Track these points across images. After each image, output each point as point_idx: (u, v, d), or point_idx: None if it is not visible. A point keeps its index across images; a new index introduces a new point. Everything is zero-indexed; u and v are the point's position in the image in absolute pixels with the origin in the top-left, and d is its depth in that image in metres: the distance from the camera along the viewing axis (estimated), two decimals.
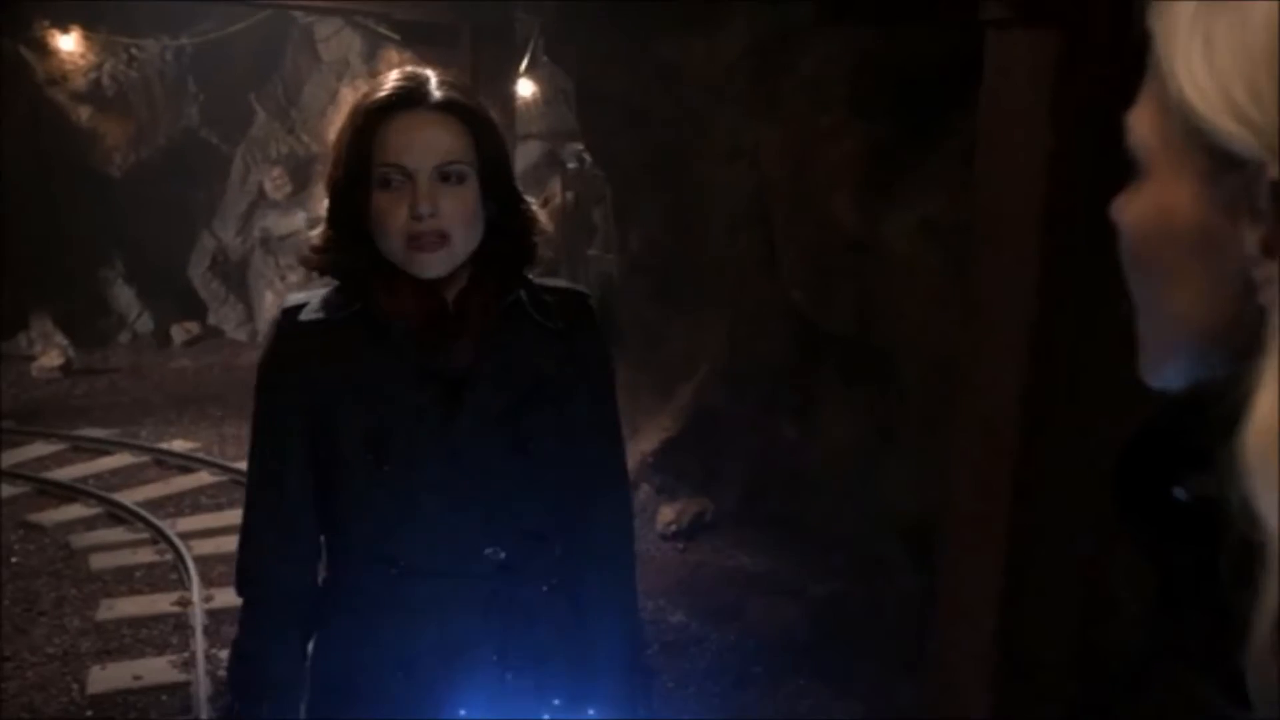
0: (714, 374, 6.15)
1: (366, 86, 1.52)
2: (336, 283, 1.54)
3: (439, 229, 1.43)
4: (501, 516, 1.51)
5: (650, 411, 6.55)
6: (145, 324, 11.15)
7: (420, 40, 6.00)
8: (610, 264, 8.60)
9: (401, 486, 1.48)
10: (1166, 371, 0.57)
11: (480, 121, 1.50)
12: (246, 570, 1.57)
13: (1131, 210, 0.57)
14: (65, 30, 10.45)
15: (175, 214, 11.20)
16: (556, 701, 1.56)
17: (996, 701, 2.84)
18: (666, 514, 5.94)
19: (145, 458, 7.34)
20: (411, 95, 1.46)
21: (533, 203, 1.58)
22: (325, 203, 1.53)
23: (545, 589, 1.57)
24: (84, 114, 10.84)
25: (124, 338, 11.10)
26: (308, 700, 1.57)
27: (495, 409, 1.50)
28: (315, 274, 1.54)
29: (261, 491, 1.56)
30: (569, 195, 9.55)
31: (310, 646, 1.57)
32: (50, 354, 10.10)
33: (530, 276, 1.58)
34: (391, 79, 1.49)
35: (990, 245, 2.76)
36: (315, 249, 1.52)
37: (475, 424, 1.49)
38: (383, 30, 6.23)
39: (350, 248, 1.49)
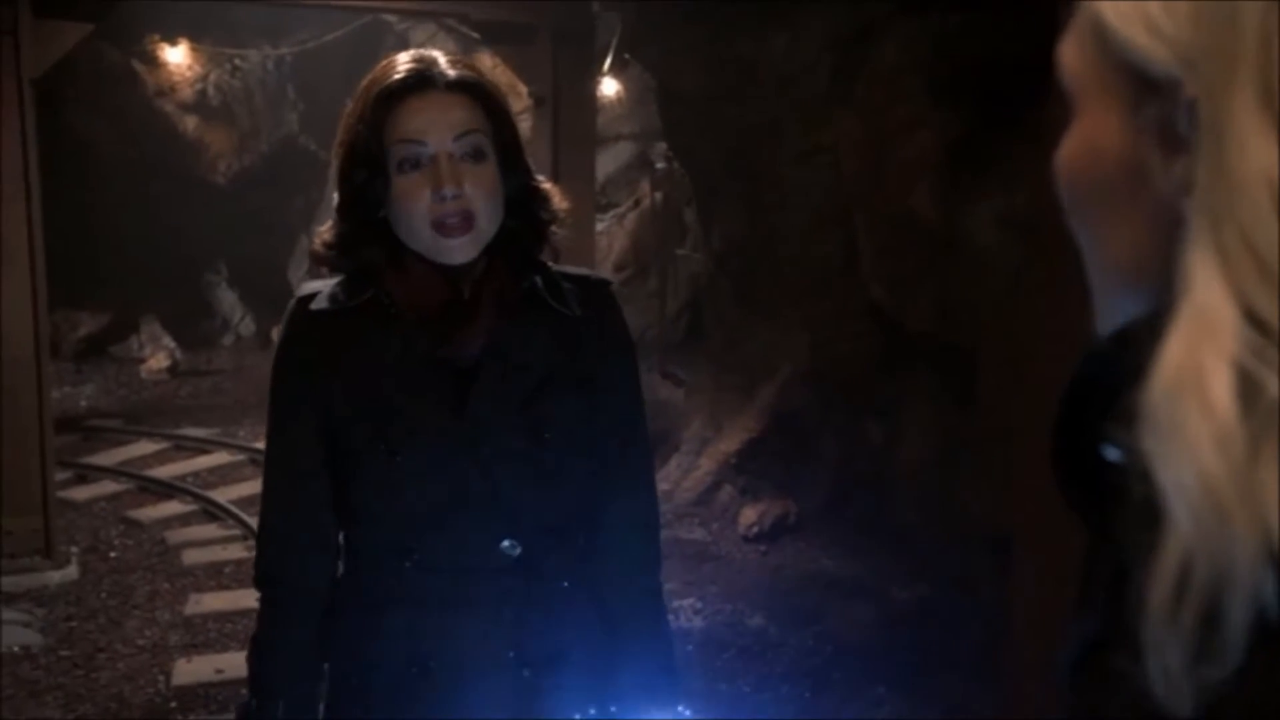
0: (797, 374, 6.04)
1: (372, 73, 1.48)
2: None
3: (464, 209, 1.40)
4: (518, 510, 1.46)
5: (733, 412, 6.48)
6: (248, 327, 11.48)
7: (500, 40, 6.02)
8: (699, 263, 8.55)
9: (414, 478, 1.44)
10: (1115, 318, 0.53)
11: (493, 99, 1.46)
12: (264, 565, 1.56)
13: (1064, 149, 0.54)
14: (173, 43, 10.83)
15: (276, 219, 11.51)
16: (577, 701, 1.51)
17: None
18: (749, 515, 5.86)
19: (241, 456, 7.54)
20: (424, 76, 1.43)
21: (543, 180, 1.53)
22: (335, 196, 1.50)
23: (566, 585, 1.51)
24: (190, 124, 11.21)
25: (227, 340, 11.45)
26: (324, 696, 1.54)
27: (509, 398, 1.46)
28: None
29: (278, 485, 1.54)
30: (658, 195, 9.52)
31: (327, 642, 1.54)
32: (158, 356, 10.46)
33: (549, 264, 1.54)
34: (401, 62, 1.46)
35: (1059, 236, 2.63)
36: (328, 245, 1.49)
37: (488, 414, 1.44)
38: (466, 31, 6.28)
39: (366, 240, 1.46)
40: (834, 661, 4.48)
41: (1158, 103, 0.47)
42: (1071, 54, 0.53)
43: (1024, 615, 2.93)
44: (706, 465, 6.29)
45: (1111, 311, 0.53)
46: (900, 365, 5.25)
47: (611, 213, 10.30)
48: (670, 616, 1.70)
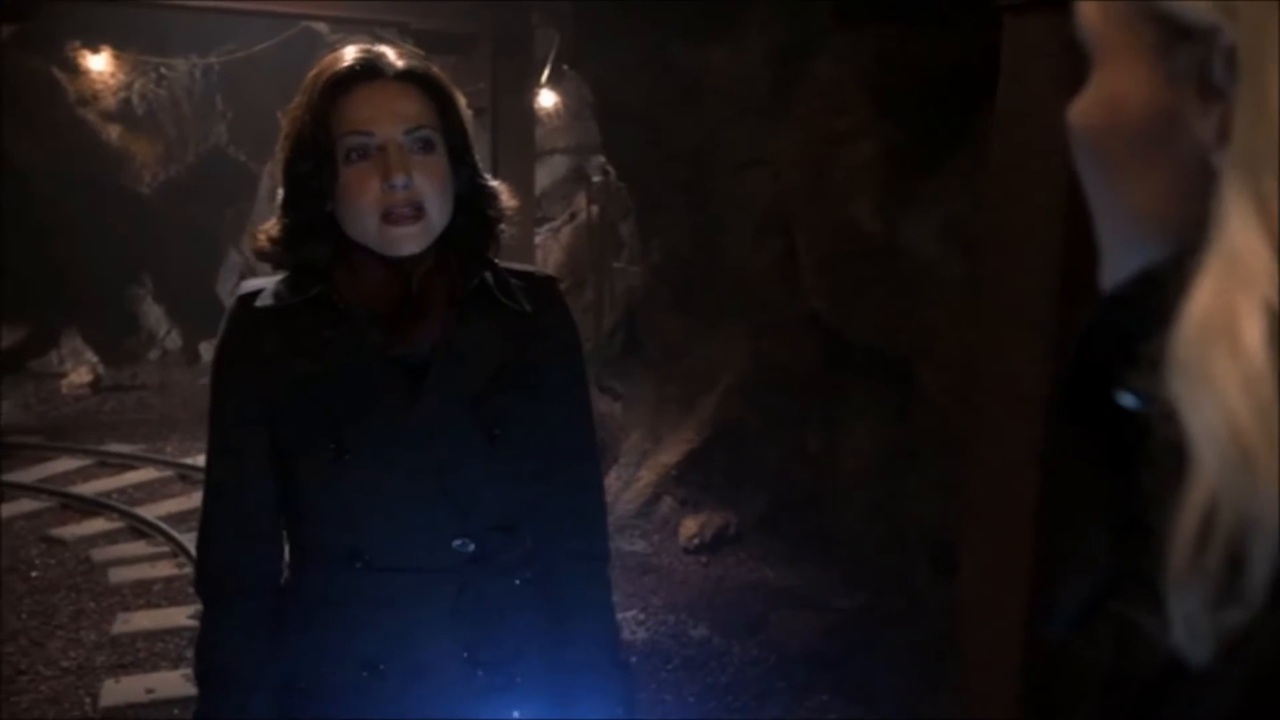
0: (737, 386, 6.06)
1: (320, 63, 1.45)
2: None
3: (414, 200, 1.37)
4: (469, 507, 1.43)
5: (673, 423, 6.47)
6: (174, 341, 11.22)
7: (439, 50, 5.97)
8: (635, 277, 8.55)
9: (364, 477, 1.40)
10: (1128, 269, 0.51)
11: (443, 91, 1.44)
12: (207, 569, 1.50)
13: (1084, 103, 0.52)
14: (96, 50, 10.58)
15: (203, 231, 11.28)
16: (530, 700, 1.48)
17: (1023, 715, 2.72)
18: (689, 527, 5.85)
19: (169, 472, 7.35)
20: (372, 66, 1.40)
21: (490, 178, 1.51)
22: (280, 191, 1.46)
23: (517, 582, 1.50)
24: (114, 133, 10.96)
25: (153, 355, 11.18)
26: (273, 701, 1.49)
27: (459, 395, 1.43)
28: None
29: (220, 486, 1.49)
30: (594, 209, 9.51)
31: (275, 646, 1.49)
32: (80, 371, 10.18)
33: (496, 260, 1.52)
34: (349, 52, 1.43)
35: (1007, 241, 2.66)
36: (273, 239, 1.45)
37: (438, 410, 1.42)
38: (403, 41, 6.23)
39: (312, 234, 1.42)
40: (778, 670, 4.49)
41: (1191, 51, 0.45)
42: (1092, 5, 0.51)
43: (970, 619, 2.95)
44: (646, 477, 6.27)
45: (1125, 264, 0.51)
46: (841, 375, 5.28)
47: (546, 226, 10.26)
48: None
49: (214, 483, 1.50)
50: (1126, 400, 0.47)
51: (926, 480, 4.61)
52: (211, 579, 1.49)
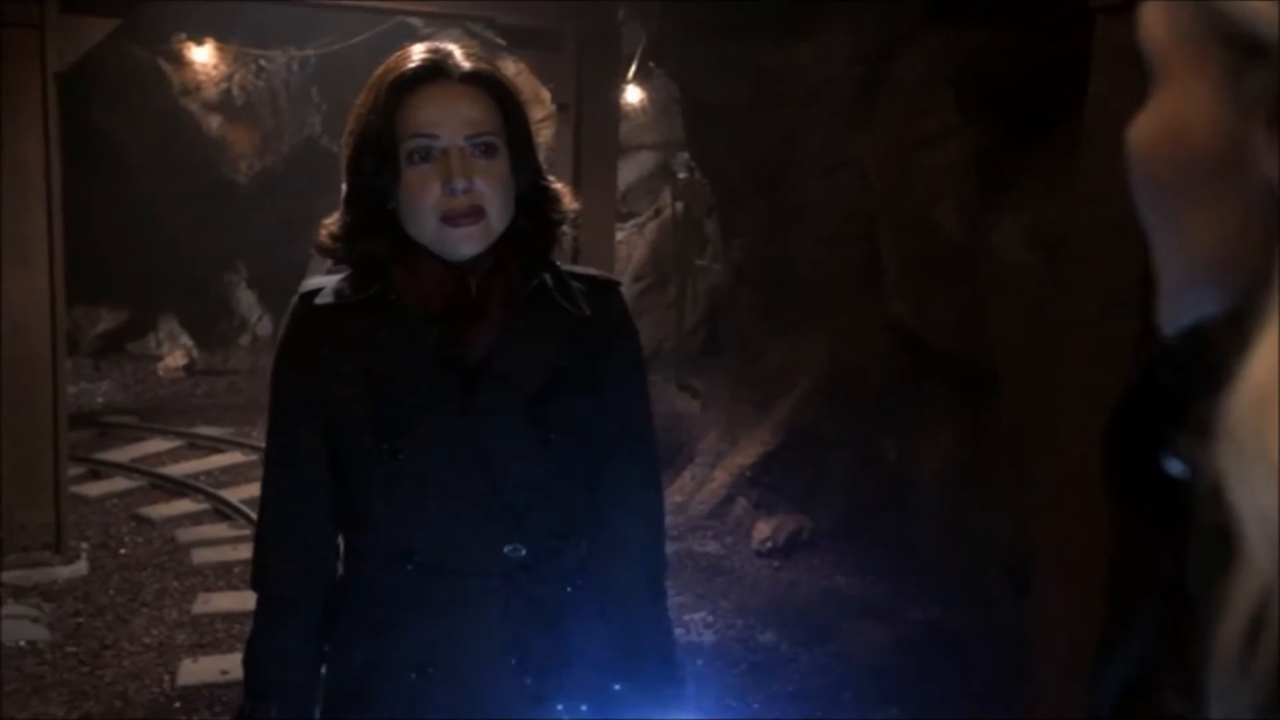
0: (814, 389, 5.98)
1: (386, 63, 1.45)
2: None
3: (474, 204, 1.37)
4: (522, 512, 1.42)
5: (750, 425, 6.42)
6: (264, 327, 11.49)
7: (525, 46, 6.00)
8: (718, 275, 8.51)
9: (417, 479, 1.40)
10: (1187, 316, 0.46)
11: (507, 94, 1.43)
12: (261, 567, 1.53)
13: (1141, 126, 0.47)
14: (200, 42, 10.86)
15: (296, 221, 11.51)
16: (579, 710, 1.46)
17: None
18: (762, 530, 5.79)
19: (254, 456, 7.51)
20: (438, 67, 1.40)
21: (553, 180, 1.50)
22: (344, 186, 1.46)
23: (569, 590, 1.48)
24: (214, 123, 11.25)
25: (244, 340, 11.46)
26: (321, 701, 1.50)
27: (515, 398, 1.42)
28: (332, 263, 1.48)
29: (277, 484, 1.51)
30: (678, 206, 9.48)
31: (325, 646, 1.50)
32: (175, 354, 10.48)
33: (559, 262, 1.50)
34: (416, 52, 1.42)
35: (1094, 249, 2.57)
36: (334, 236, 1.45)
37: (494, 414, 1.41)
38: (491, 36, 6.28)
39: (372, 232, 1.43)
40: (846, 680, 4.41)
41: (1265, 72, 0.40)
42: (1155, 16, 0.46)
43: (1044, 636, 2.87)
44: (721, 478, 6.23)
45: (1184, 309, 0.46)
46: (919, 382, 5.18)
47: (632, 222, 10.28)
48: (681, 630, 1.66)
49: (270, 480, 1.52)
50: (1174, 468, 0.42)
51: (1004, 493, 4.49)
52: (266, 575, 1.51)
